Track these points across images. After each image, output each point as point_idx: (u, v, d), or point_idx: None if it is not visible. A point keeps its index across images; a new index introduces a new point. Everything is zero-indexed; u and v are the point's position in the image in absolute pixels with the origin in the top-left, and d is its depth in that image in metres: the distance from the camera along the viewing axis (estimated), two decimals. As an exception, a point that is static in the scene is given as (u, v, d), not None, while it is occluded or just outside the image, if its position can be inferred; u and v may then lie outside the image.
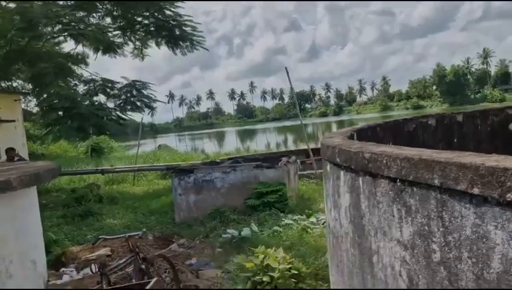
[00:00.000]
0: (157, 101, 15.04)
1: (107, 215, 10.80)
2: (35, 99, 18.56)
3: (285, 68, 13.97)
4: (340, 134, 3.89)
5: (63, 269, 6.96)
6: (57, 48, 14.39)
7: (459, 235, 1.58)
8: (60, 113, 13.74)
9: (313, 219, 8.11)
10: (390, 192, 1.99)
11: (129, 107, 13.30)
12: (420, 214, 1.78)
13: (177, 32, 13.58)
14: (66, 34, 12.71)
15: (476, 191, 1.45)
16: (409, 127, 6.35)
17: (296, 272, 4.66)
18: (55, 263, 7.26)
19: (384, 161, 1.98)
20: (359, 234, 2.43)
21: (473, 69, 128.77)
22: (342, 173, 2.64)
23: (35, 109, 20.66)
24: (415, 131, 6.37)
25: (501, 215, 1.38)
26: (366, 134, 4.80)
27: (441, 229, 1.67)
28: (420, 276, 1.83)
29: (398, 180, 1.91)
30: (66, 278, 6.61)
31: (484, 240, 1.45)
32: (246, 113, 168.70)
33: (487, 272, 1.46)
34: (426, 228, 1.75)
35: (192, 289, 5.39)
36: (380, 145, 2.37)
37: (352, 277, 2.61)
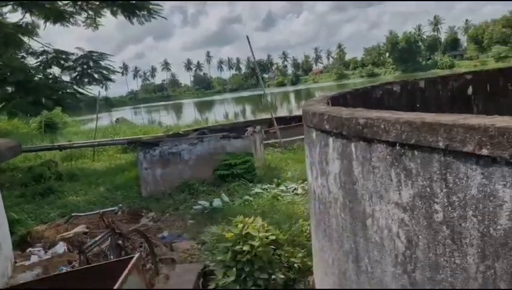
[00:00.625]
0: (116, 72, 14.48)
1: (69, 192, 10.45)
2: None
3: (247, 37, 13.77)
4: (318, 102, 3.90)
5: (30, 249, 6.73)
6: (2, 18, 13.43)
7: (464, 195, 1.63)
8: (9, 88, 12.96)
9: (282, 187, 8.21)
10: (388, 157, 2.02)
11: (86, 80, 12.72)
12: (421, 177, 1.82)
13: (134, 1, 13.00)
14: (12, 2, 11.86)
15: (484, 152, 1.48)
16: (377, 94, 6.48)
17: (273, 238, 4.72)
18: (21, 244, 7.01)
19: (382, 126, 2.00)
20: (351, 199, 2.47)
21: (424, 36, 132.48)
22: (330, 139, 2.65)
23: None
24: (382, 97, 6.50)
25: (510, 174, 1.42)
26: (338, 101, 4.86)
27: (445, 190, 1.71)
28: (420, 236, 1.88)
29: (397, 144, 1.93)
30: (34, 258, 6.41)
31: (491, 198, 1.50)
32: (203, 85, 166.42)
33: (494, 229, 1.51)
34: (428, 190, 1.80)
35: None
36: (372, 110, 2.38)
37: (343, 241, 2.67)
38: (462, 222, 1.65)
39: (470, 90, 6.85)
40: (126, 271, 3.16)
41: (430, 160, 1.76)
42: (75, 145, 14.02)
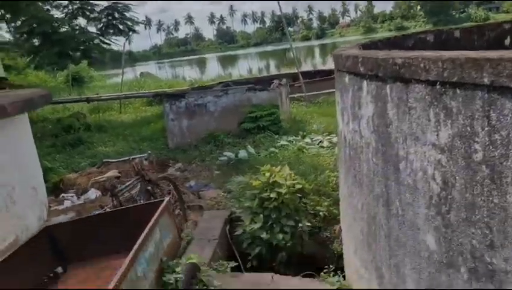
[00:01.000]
0: (140, 23, 14.36)
1: (98, 143, 10.70)
2: (6, 26, 17.53)
3: (273, -13, 13.33)
4: (350, 48, 3.79)
5: (63, 195, 6.99)
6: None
7: (508, 132, 1.57)
8: (35, 40, 13.04)
9: (307, 140, 8.18)
10: (426, 96, 1.96)
11: (111, 31, 12.68)
12: (462, 115, 1.76)
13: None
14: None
15: (534, 85, 1.42)
16: (408, 43, 6.24)
17: (300, 187, 4.76)
18: (54, 190, 7.29)
19: (422, 65, 1.93)
20: (383, 143, 2.44)
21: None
22: (364, 83, 2.58)
23: (7, 37, 19.57)
24: (414, 47, 6.28)
25: (561, 109, 1.36)
26: (369, 49, 4.71)
27: (486, 128, 1.66)
28: (457, 177, 1.85)
29: (438, 83, 1.86)
30: (67, 203, 6.66)
31: (538, 135, 1.45)
32: (226, 39, 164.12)
33: (538, 167, 1.47)
34: (468, 129, 1.75)
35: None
36: (409, 51, 2.29)
37: (373, 185, 2.66)
38: (504, 160, 1.60)
39: (507, 41, 6.52)
40: (158, 212, 3.25)
41: (473, 97, 1.69)
42: (102, 97, 14.20)
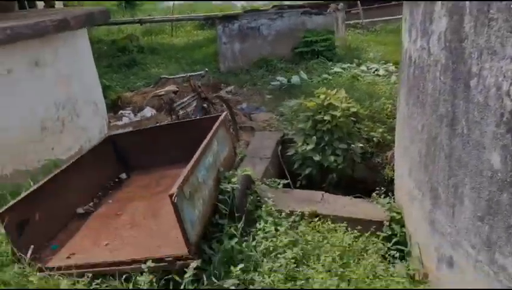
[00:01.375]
0: None
1: (151, 65, 10.92)
2: None
3: None
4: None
5: (121, 111, 7.30)
6: None
7: None
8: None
9: (363, 68, 7.95)
10: (511, 5, 1.83)
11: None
12: (552, 24, 1.65)
13: None
14: None
15: None
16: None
17: (354, 110, 4.71)
18: (113, 107, 7.62)
19: (511, -31, 1.78)
20: (455, 60, 2.33)
21: None
22: (439, -5, 2.43)
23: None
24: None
25: None
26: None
27: None
28: (536, 92, 1.77)
29: (527, -12, 1.73)
30: (125, 120, 6.97)
31: None
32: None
33: None
34: (557, 39, 1.63)
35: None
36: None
37: (438, 105, 2.59)
38: None
39: None
40: (216, 124, 3.34)
41: None
42: (155, 19, 14.21)
